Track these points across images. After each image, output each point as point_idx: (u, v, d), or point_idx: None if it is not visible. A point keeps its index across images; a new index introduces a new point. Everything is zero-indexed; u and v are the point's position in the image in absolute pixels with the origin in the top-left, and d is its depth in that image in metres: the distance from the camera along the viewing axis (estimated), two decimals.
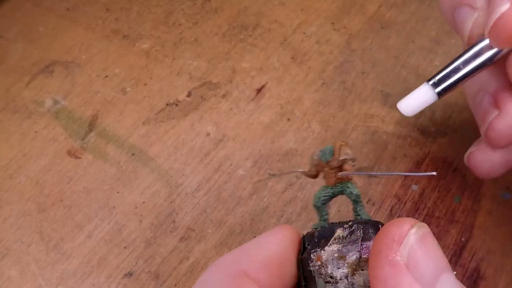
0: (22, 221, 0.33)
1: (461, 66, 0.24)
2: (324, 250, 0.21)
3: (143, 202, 0.33)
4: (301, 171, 0.25)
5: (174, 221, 0.32)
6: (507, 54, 0.24)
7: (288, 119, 0.37)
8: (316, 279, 0.20)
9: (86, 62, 0.40)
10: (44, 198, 0.33)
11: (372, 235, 0.21)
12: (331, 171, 0.24)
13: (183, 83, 0.39)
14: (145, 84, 0.39)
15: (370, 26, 0.42)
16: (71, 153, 0.35)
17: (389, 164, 0.34)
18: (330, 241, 0.21)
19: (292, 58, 0.40)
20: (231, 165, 0.34)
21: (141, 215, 0.33)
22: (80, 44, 0.41)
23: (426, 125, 0.36)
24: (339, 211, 0.32)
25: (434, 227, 0.31)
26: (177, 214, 0.33)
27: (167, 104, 0.38)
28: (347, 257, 0.20)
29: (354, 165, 0.24)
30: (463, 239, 0.31)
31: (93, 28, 0.42)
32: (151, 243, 0.31)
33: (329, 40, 0.41)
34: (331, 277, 0.20)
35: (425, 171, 0.34)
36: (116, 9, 0.44)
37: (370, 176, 0.31)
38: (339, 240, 0.21)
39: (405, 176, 0.34)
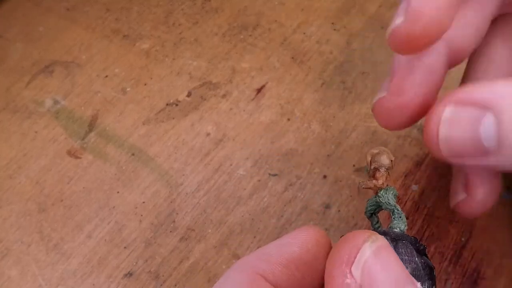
0: (22, 221, 0.33)
1: None
2: None
3: (143, 202, 0.33)
4: (363, 186, 0.25)
5: (174, 221, 0.32)
6: None
7: (288, 119, 0.37)
8: None
9: (86, 62, 0.40)
10: (44, 198, 0.33)
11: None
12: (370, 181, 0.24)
13: (183, 83, 0.39)
14: (145, 84, 0.39)
15: (370, 26, 0.42)
16: (71, 153, 0.35)
17: None
18: None
19: (292, 58, 0.40)
20: (231, 165, 0.34)
21: (141, 215, 0.33)
22: (80, 44, 0.41)
23: None
24: (339, 211, 0.32)
25: (434, 227, 0.31)
26: (177, 214, 0.33)
27: (167, 104, 0.38)
28: None
29: (387, 172, 0.24)
30: (463, 239, 0.31)
31: (93, 28, 0.42)
32: (151, 243, 0.31)
33: (329, 40, 0.41)
34: None
35: (425, 170, 0.34)
36: (116, 9, 0.44)
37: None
38: None
39: (406, 176, 0.34)
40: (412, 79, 0.24)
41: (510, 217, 0.32)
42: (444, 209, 0.32)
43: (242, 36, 0.42)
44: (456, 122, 0.21)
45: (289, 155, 0.35)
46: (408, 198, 0.33)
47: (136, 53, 0.41)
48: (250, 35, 0.42)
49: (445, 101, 0.22)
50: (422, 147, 0.35)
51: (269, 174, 0.34)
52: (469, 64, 0.29)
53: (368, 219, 0.25)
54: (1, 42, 0.42)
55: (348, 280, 0.16)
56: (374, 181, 0.24)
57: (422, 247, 0.22)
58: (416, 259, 0.21)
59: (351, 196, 0.33)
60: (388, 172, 0.24)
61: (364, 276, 0.16)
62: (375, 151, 0.24)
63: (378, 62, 0.39)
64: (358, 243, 0.17)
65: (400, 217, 0.23)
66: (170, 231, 0.32)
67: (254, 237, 0.31)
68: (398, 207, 0.24)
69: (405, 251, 0.21)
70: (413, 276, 0.20)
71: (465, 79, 0.29)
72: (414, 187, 0.33)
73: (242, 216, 0.32)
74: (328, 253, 0.21)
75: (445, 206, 0.32)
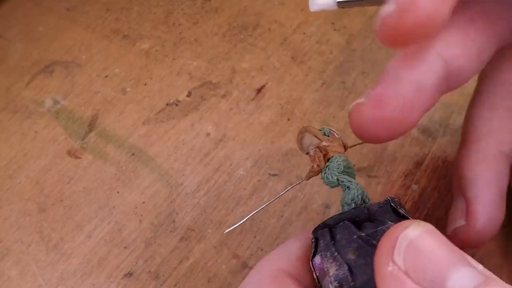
0: (22, 221, 0.33)
1: None
2: None
3: (143, 202, 0.33)
4: (305, 179, 0.24)
5: (174, 221, 0.32)
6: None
7: (288, 119, 0.37)
8: None
9: (86, 62, 0.40)
10: (44, 198, 0.33)
11: (321, 244, 0.20)
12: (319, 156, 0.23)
13: (183, 83, 0.39)
14: (145, 84, 0.39)
15: (370, 26, 0.42)
16: (71, 153, 0.35)
17: (389, 164, 0.34)
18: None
19: (292, 58, 0.40)
20: (231, 165, 0.34)
21: (141, 215, 0.33)
22: (80, 44, 0.41)
23: (426, 125, 0.36)
24: (339, 211, 0.32)
25: (434, 227, 0.31)
26: (177, 214, 0.33)
27: (167, 104, 0.38)
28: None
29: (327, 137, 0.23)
30: None
31: (93, 28, 0.42)
32: (151, 243, 0.31)
33: (329, 40, 0.41)
34: None
35: (425, 170, 0.34)
36: (116, 9, 0.44)
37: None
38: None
39: (406, 176, 0.34)
40: (395, 92, 0.21)
41: (510, 217, 0.32)
42: (444, 209, 0.32)
43: (242, 36, 0.42)
44: None
45: (289, 155, 0.35)
46: (408, 198, 0.33)
47: (136, 53, 0.41)
48: (250, 35, 0.42)
49: None
50: (422, 147, 0.35)
51: (269, 174, 0.34)
52: (478, 87, 0.28)
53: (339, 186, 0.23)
54: (1, 42, 0.42)
55: (390, 268, 0.16)
56: (339, 148, 0.23)
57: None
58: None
59: None
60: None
61: (407, 260, 0.16)
62: (315, 129, 0.23)
63: (378, 62, 0.39)
64: (396, 232, 0.16)
65: (348, 186, 0.22)
66: (170, 231, 0.32)
67: (254, 237, 0.31)
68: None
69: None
70: None
71: (474, 102, 0.28)
72: (414, 187, 0.33)
73: (242, 216, 0.32)
74: None
75: (445, 206, 0.32)
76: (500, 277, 0.16)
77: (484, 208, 0.26)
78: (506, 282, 0.16)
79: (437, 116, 0.36)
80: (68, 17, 0.43)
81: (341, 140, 0.24)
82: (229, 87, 0.38)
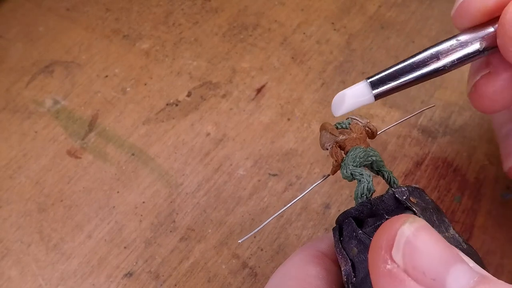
0: (22, 221, 0.33)
1: (410, 69, 0.22)
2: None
3: (143, 202, 0.33)
4: (330, 174, 0.24)
5: (174, 221, 0.32)
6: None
7: (288, 119, 0.37)
8: None
9: (86, 62, 0.40)
10: (44, 198, 0.33)
11: (336, 235, 0.22)
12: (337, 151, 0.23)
13: (183, 83, 0.39)
14: (145, 84, 0.39)
15: (370, 26, 0.42)
16: (71, 153, 0.35)
17: (389, 164, 0.34)
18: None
19: (292, 58, 0.40)
20: (231, 165, 0.34)
21: (141, 215, 0.33)
22: (80, 44, 0.41)
23: (426, 125, 0.36)
24: (339, 211, 0.32)
25: None
26: (177, 214, 0.33)
27: (167, 104, 0.38)
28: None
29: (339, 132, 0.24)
30: None
31: (93, 28, 0.42)
32: (151, 243, 0.31)
33: (329, 40, 0.41)
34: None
35: (425, 170, 0.34)
36: (116, 9, 0.44)
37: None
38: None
39: (406, 176, 0.34)
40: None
41: (510, 217, 0.32)
42: (444, 209, 0.32)
43: (242, 36, 0.42)
44: None
45: (289, 155, 0.35)
46: None
47: (136, 53, 0.41)
48: (250, 35, 0.42)
49: None
50: (422, 147, 0.35)
51: (269, 174, 0.34)
52: None
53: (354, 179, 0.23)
54: (1, 42, 0.42)
55: (389, 266, 0.15)
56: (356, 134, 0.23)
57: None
58: (429, 199, 0.21)
59: (351, 196, 0.33)
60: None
61: (406, 258, 0.15)
62: (330, 126, 0.23)
63: (378, 62, 0.39)
64: (395, 227, 0.15)
65: (362, 181, 0.23)
66: (170, 231, 0.32)
67: (254, 237, 0.31)
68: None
69: (423, 197, 0.21)
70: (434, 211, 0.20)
71: None
72: None
73: (242, 216, 0.32)
74: None
75: (445, 206, 0.32)
76: (500, 277, 0.16)
77: None
78: (506, 282, 0.16)
79: (437, 116, 0.36)
80: (68, 17, 0.43)
81: (367, 127, 0.23)
82: (229, 87, 0.38)
